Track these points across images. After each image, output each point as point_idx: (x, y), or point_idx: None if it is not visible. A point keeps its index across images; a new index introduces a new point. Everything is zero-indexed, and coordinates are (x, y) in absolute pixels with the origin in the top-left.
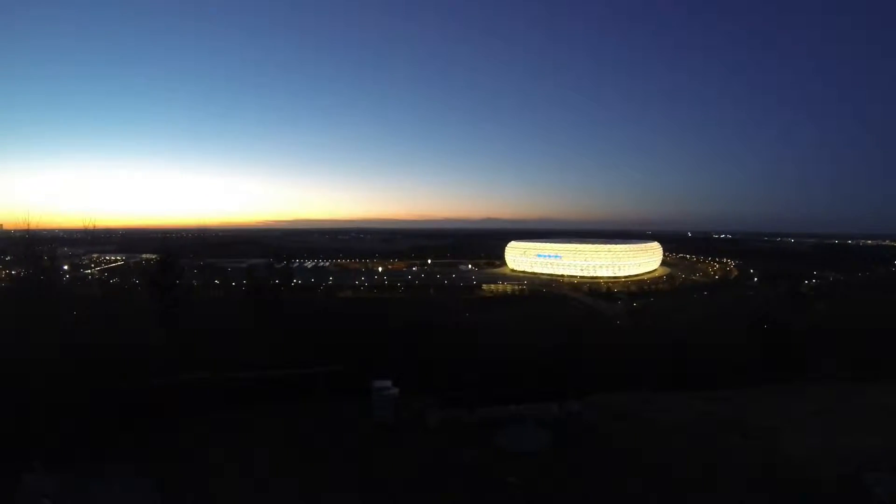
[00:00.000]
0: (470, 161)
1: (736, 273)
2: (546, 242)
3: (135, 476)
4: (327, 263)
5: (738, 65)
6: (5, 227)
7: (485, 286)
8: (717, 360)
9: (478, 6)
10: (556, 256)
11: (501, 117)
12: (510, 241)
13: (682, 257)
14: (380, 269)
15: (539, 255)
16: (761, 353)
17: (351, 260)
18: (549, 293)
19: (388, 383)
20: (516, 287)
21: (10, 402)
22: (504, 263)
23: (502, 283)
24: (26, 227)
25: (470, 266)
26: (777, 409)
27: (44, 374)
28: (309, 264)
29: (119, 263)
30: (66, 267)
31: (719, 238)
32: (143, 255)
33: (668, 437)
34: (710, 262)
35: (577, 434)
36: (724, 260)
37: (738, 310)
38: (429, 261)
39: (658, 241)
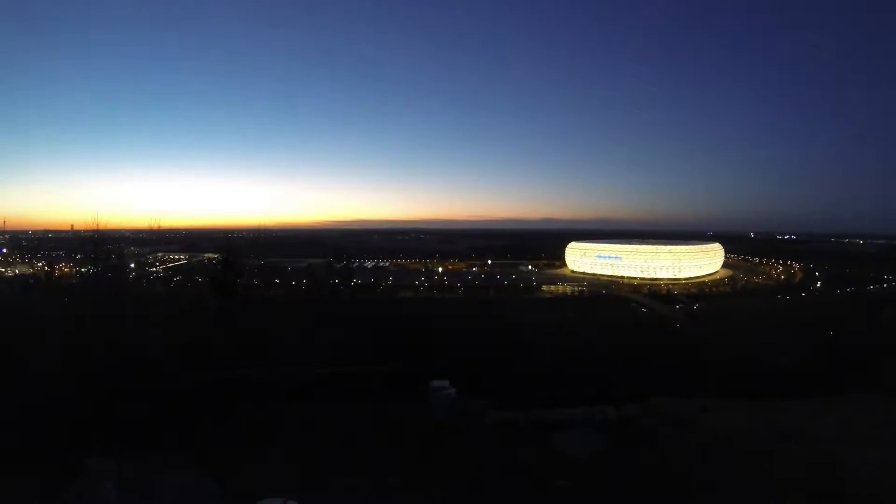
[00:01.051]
0: (529, 161)
1: (800, 275)
2: (606, 243)
3: (192, 465)
4: (387, 263)
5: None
6: (75, 227)
7: (544, 287)
8: (779, 367)
9: (540, 5)
10: (617, 257)
11: (561, 117)
12: (570, 241)
13: (745, 259)
14: (439, 269)
15: (599, 256)
16: (826, 360)
17: (410, 260)
18: (609, 295)
19: (446, 383)
20: (576, 288)
21: (76, 392)
22: (564, 264)
23: (562, 284)
24: (95, 228)
25: (530, 267)
26: (841, 421)
27: (107, 365)
28: (369, 264)
29: (182, 262)
30: (132, 265)
31: (783, 239)
32: (206, 255)
33: (725, 446)
34: (773, 263)
35: (632, 439)
36: (789, 262)
37: (802, 314)
38: (489, 261)
39: (720, 242)
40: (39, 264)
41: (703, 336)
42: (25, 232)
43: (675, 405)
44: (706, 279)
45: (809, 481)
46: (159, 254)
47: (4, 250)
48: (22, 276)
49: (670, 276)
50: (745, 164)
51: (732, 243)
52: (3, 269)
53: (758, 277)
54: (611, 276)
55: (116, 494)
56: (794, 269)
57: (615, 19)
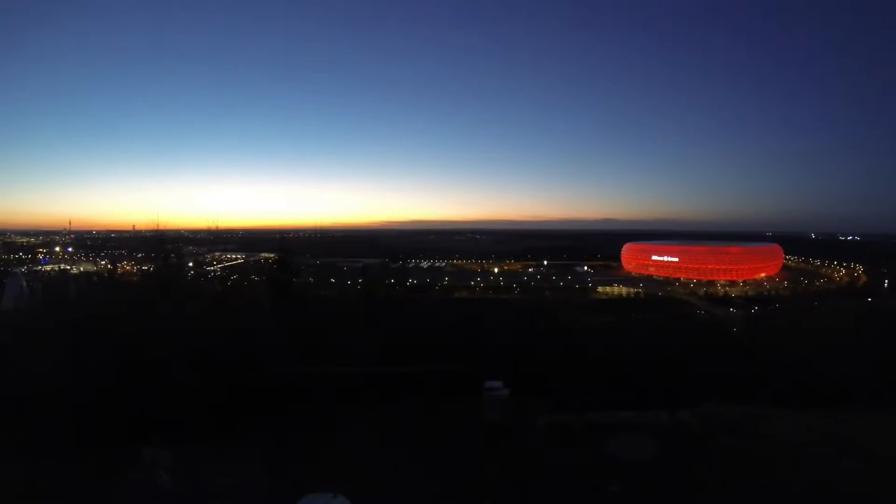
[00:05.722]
0: (589, 161)
1: (864, 279)
2: (663, 244)
3: (242, 459)
4: (443, 264)
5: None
6: (137, 227)
7: (599, 288)
8: (840, 376)
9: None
10: (673, 259)
11: (623, 117)
12: (627, 242)
13: (805, 261)
14: (495, 269)
15: (655, 258)
16: (892, 369)
17: (466, 260)
18: (665, 297)
19: (500, 384)
20: (631, 290)
21: (134, 384)
22: (620, 265)
23: (617, 286)
24: (156, 228)
25: (586, 268)
26: None
27: (163, 359)
28: (424, 264)
29: (238, 262)
30: (190, 264)
31: (846, 240)
32: (262, 255)
33: (780, 457)
34: (835, 266)
35: (685, 445)
36: (851, 264)
37: (865, 320)
38: (545, 262)
39: (779, 244)
40: (103, 262)
41: (760, 341)
42: (90, 232)
43: (730, 412)
44: (765, 281)
45: (866, 496)
46: (216, 253)
47: (70, 249)
48: (86, 273)
49: (728, 278)
50: (807, 164)
51: (792, 245)
52: (68, 267)
53: (819, 280)
54: (667, 278)
55: (170, 482)
56: (857, 271)
57: (683, 18)
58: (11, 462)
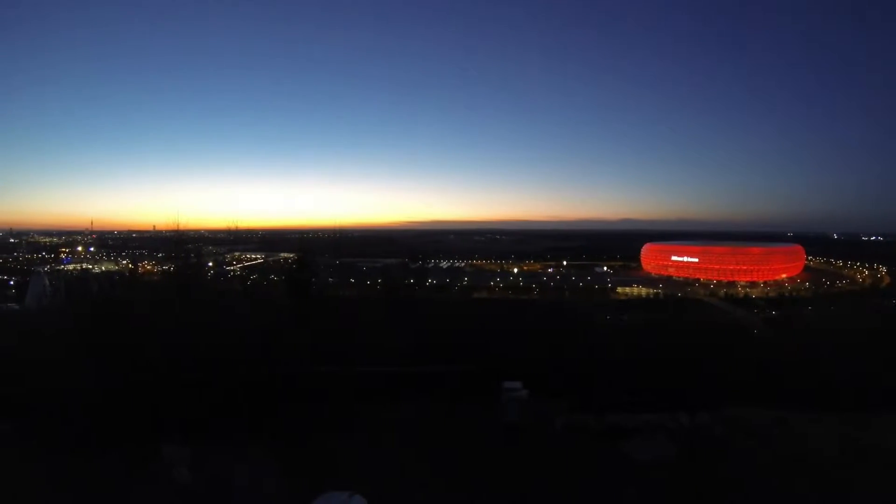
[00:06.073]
0: (608, 161)
1: (888, 280)
2: (682, 244)
3: (261, 457)
4: (462, 264)
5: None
6: (157, 227)
7: (619, 289)
8: (864, 379)
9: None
10: (693, 260)
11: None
12: (647, 242)
13: (827, 261)
14: (515, 270)
15: (675, 258)
16: None
17: (486, 261)
18: (685, 297)
19: (518, 384)
20: (651, 290)
21: (155, 382)
22: (640, 266)
23: (637, 287)
24: (176, 228)
25: (605, 268)
26: None
27: (183, 357)
28: (444, 264)
29: (258, 261)
30: (210, 263)
31: (869, 240)
32: (281, 254)
33: (801, 462)
34: (858, 267)
35: (705, 449)
36: (875, 265)
37: (890, 322)
38: (564, 262)
39: (800, 244)
40: (124, 262)
41: (782, 343)
42: (111, 232)
43: (751, 415)
44: (786, 282)
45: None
46: (236, 253)
47: (92, 249)
48: (108, 272)
49: (748, 278)
50: (829, 163)
51: (814, 245)
52: (90, 266)
53: (841, 281)
54: (687, 279)
55: (189, 479)
56: (881, 272)
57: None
58: (29, 458)
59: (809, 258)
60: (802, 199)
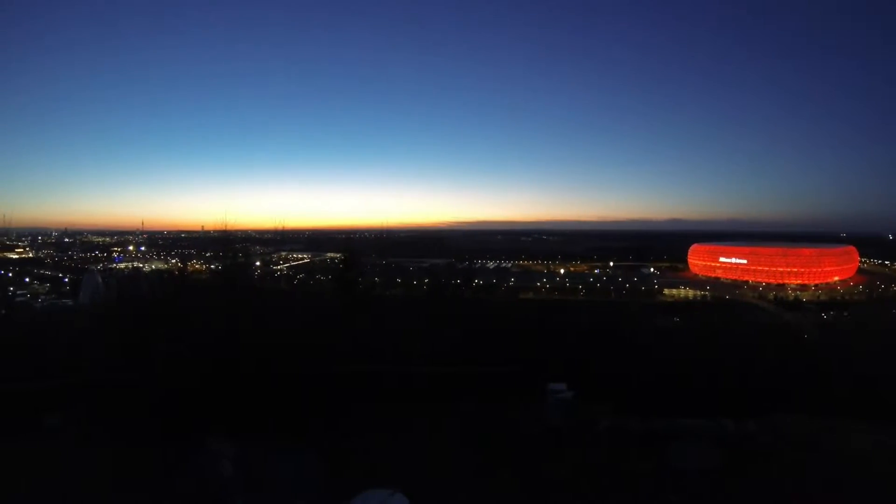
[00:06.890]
0: (657, 160)
1: None
2: (731, 245)
3: (304, 453)
4: (509, 264)
5: None
6: (206, 228)
7: (666, 291)
8: None
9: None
10: (742, 261)
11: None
12: (694, 243)
13: (882, 264)
14: (561, 270)
15: (723, 259)
16: None
17: (533, 261)
18: (732, 300)
19: (563, 386)
20: (698, 292)
21: (203, 379)
22: (687, 267)
23: (684, 288)
24: (224, 228)
25: (652, 270)
26: None
27: (230, 354)
28: (491, 265)
29: (304, 261)
30: (257, 263)
31: None
32: (328, 254)
33: (848, 471)
34: None
35: (749, 457)
36: None
37: None
38: (611, 263)
39: (854, 245)
40: (173, 261)
41: (833, 348)
42: (161, 232)
43: (798, 423)
44: (838, 285)
45: None
46: (283, 253)
47: (143, 248)
48: (158, 271)
49: (799, 281)
50: (884, 161)
51: (868, 246)
52: (141, 265)
53: None
54: (735, 281)
55: (232, 472)
56: None
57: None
58: (78, 450)
59: (863, 260)
60: (856, 199)
